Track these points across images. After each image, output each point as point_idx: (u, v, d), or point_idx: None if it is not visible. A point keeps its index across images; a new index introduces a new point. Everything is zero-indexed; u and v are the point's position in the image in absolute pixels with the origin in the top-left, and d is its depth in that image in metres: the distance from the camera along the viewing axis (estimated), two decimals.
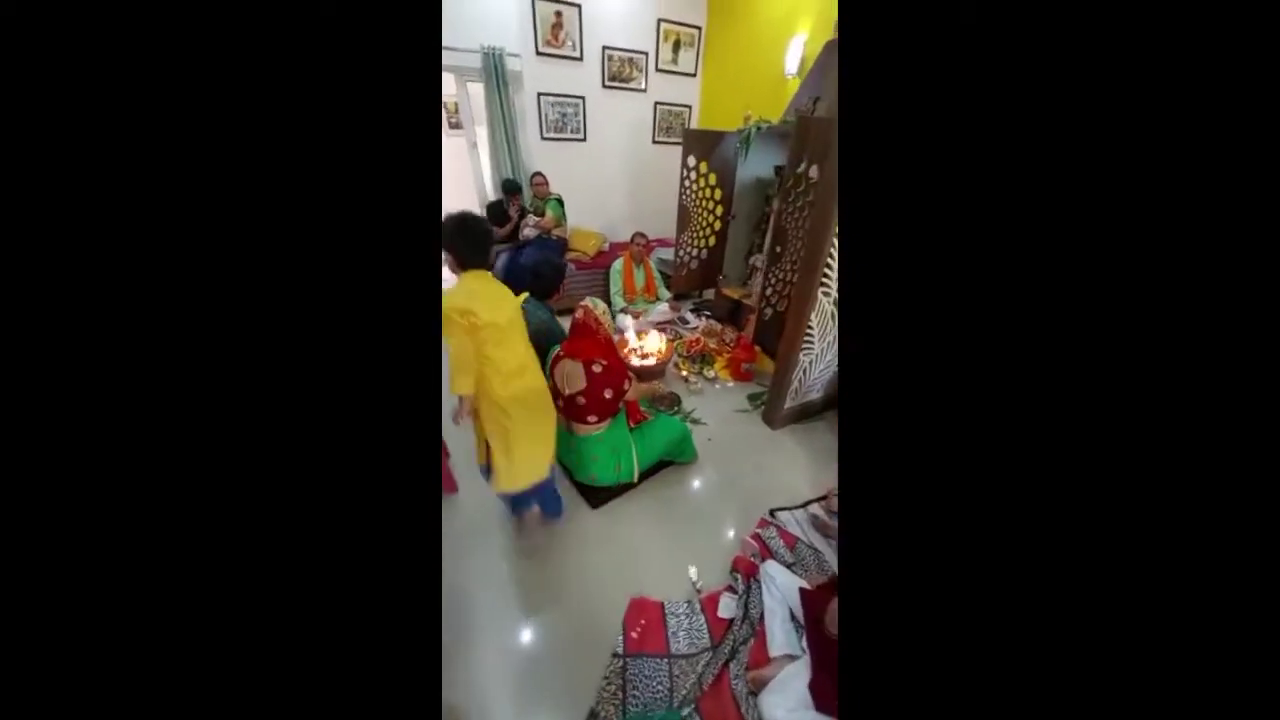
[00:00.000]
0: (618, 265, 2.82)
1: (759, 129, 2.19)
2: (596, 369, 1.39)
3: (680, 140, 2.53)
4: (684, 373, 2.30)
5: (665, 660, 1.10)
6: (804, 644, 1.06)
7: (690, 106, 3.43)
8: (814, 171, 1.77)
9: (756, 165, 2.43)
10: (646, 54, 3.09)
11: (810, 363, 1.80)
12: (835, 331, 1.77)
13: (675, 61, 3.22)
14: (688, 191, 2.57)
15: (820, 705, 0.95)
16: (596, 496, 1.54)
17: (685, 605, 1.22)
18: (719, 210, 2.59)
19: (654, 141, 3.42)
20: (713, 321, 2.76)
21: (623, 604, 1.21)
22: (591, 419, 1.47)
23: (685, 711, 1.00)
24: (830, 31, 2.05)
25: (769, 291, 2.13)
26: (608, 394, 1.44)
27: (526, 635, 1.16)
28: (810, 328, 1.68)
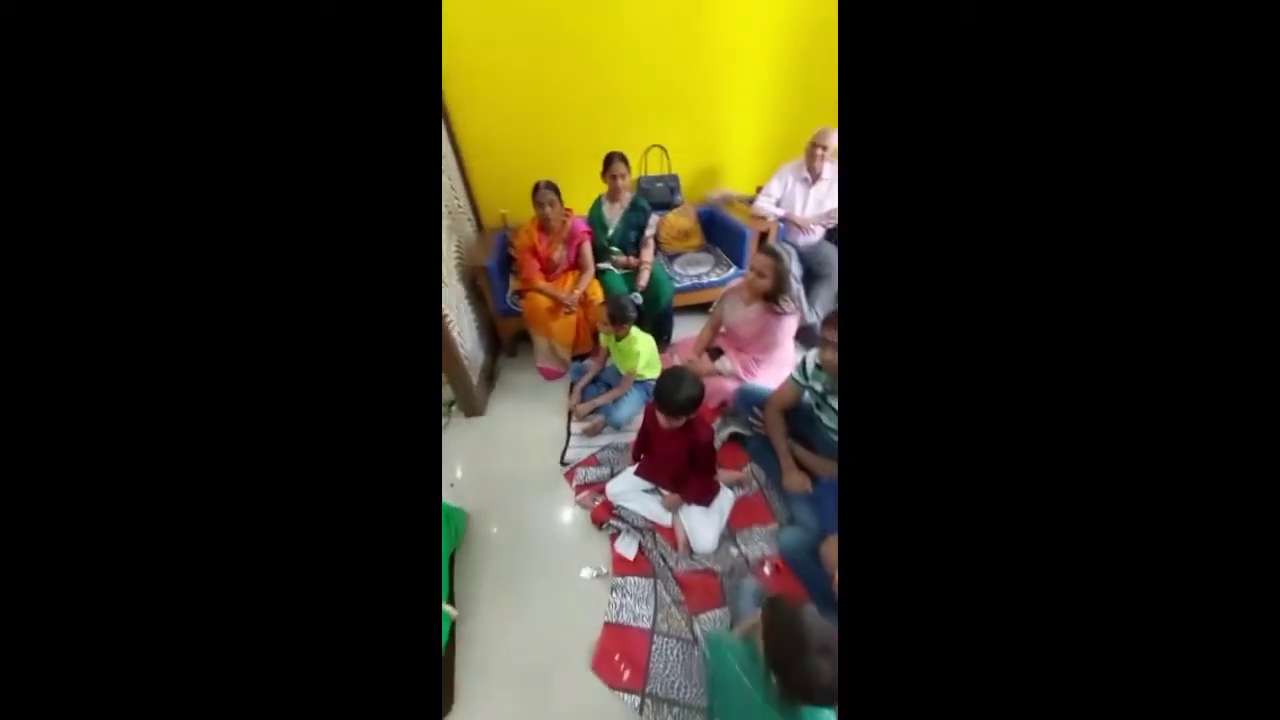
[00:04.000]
0: None
1: None
2: None
3: None
4: None
5: (659, 638, 1.07)
6: (663, 492, 1.30)
7: None
8: None
9: None
10: None
11: (459, 333, 1.62)
12: (457, 296, 1.61)
13: None
14: None
15: (702, 501, 1.26)
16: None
17: (611, 593, 1.16)
18: None
19: None
20: None
21: (589, 679, 1.00)
22: None
23: (708, 631, 1.07)
24: None
25: None
26: None
27: None
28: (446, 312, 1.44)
